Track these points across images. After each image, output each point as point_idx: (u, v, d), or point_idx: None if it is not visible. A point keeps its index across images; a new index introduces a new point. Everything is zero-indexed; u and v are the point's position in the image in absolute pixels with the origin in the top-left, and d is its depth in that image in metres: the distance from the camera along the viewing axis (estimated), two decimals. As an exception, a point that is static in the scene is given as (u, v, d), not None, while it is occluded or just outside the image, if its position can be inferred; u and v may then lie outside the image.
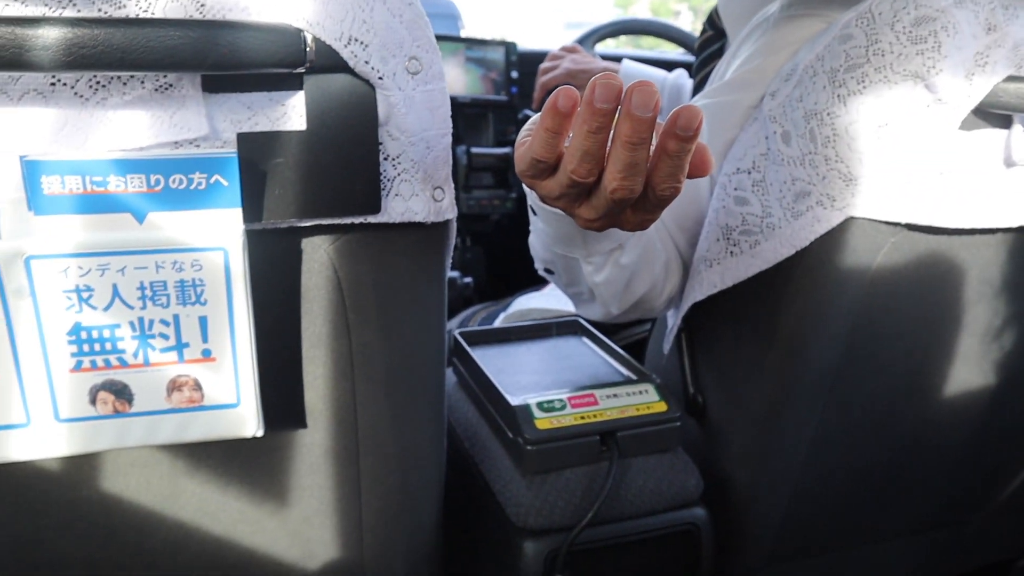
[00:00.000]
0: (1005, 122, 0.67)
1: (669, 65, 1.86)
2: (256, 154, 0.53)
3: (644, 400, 0.77)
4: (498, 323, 1.19)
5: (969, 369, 0.83)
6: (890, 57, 0.63)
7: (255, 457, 0.62)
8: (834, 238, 0.69)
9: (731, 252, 0.74)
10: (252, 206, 0.53)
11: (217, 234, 0.51)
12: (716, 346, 0.84)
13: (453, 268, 1.52)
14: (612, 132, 0.51)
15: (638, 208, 0.56)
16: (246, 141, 0.52)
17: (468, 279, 1.37)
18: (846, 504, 0.91)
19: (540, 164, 0.55)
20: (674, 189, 0.53)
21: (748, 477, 0.83)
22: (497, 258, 1.74)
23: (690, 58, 1.79)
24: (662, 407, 0.76)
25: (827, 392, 0.78)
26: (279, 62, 0.50)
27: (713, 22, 1.01)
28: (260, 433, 0.56)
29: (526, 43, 1.73)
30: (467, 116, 1.62)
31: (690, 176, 0.53)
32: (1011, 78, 0.64)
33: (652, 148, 0.51)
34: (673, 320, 0.85)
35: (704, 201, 0.82)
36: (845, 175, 0.66)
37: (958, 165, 0.67)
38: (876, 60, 0.63)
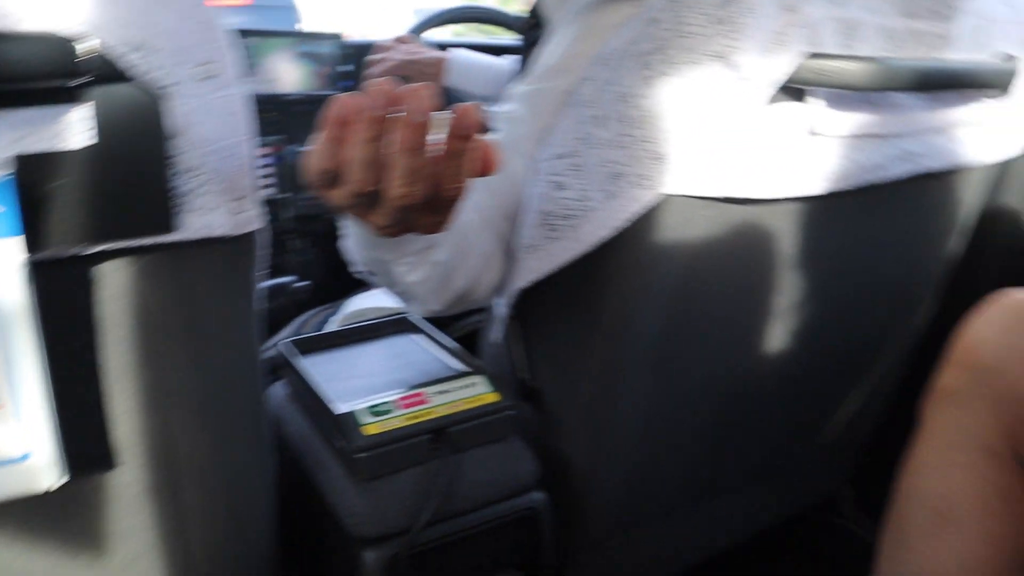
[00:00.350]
0: (804, 96, 0.70)
1: (504, 50, 1.87)
2: (36, 176, 0.48)
3: (475, 392, 0.77)
4: (330, 326, 1.17)
5: (780, 328, 0.88)
6: (695, 39, 0.64)
7: (64, 507, 0.57)
8: (650, 217, 0.70)
9: (550, 237, 0.75)
10: (33, 233, 0.49)
11: (-10, 266, 0.47)
12: (545, 330, 0.85)
13: (289, 272, 1.48)
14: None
15: (428, 211, 0.56)
16: (24, 162, 0.47)
17: (303, 283, 1.33)
18: (683, 467, 0.95)
19: (325, 174, 0.53)
20: (459, 190, 0.53)
21: (585, 455, 0.85)
22: (335, 259, 1.69)
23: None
24: (494, 397, 0.77)
25: (653, 365, 0.81)
26: (51, 74, 0.45)
27: (535, 10, 1.01)
28: (59, 484, 0.53)
29: (375, 33, 1.69)
30: (299, 113, 1.56)
31: (477, 175, 0.53)
32: (808, 55, 0.67)
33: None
34: (499, 307, 0.86)
35: (522, 187, 0.83)
36: (656, 155, 0.67)
37: (764, 139, 0.70)
38: (681, 42, 0.65)
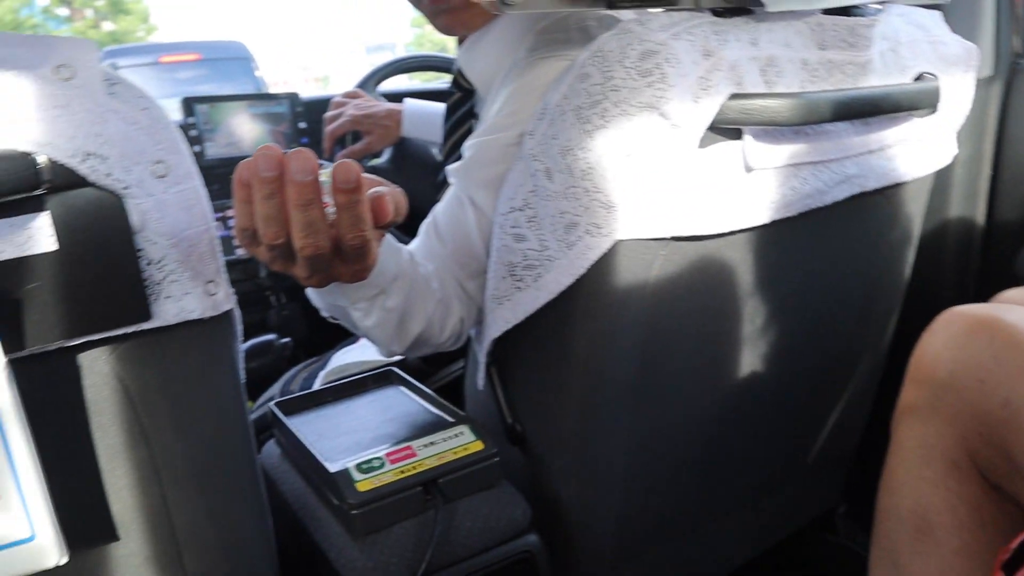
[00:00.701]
0: (737, 135, 0.74)
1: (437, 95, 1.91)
2: (7, 282, 0.51)
3: (461, 442, 0.79)
4: (318, 383, 1.18)
5: (753, 353, 0.91)
6: (624, 92, 0.68)
7: None
8: (608, 261, 0.74)
9: (517, 287, 0.78)
10: (12, 334, 0.51)
11: (-26, 372, 0.49)
12: (524, 375, 0.87)
13: (270, 330, 1.49)
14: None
15: (341, 261, 0.62)
16: None
17: (286, 340, 1.35)
18: (674, 496, 0.97)
19: (244, 232, 0.60)
20: (359, 238, 0.59)
21: (575, 494, 0.87)
22: (314, 312, 1.72)
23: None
24: (479, 446, 0.79)
25: (632, 400, 0.83)
26: (12, 189, 0.48)
27: (459, 83, 1.04)
28: (64, 560, 0.54)
29: (329, 89, 1.72)
30: None
31: (376, 224, 0.59)
32: (734, 96, 0.71)
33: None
34: (480, 356, 0.88)
35: (474, 236, 0.86)
36: (605, 203, 0.71)
37: (704, 179, 0.74)
38: (613, 95, 0.68)
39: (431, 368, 1.15)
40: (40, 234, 0.51)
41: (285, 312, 1.63)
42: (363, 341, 1.27)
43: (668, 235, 0.75)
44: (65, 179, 0.50)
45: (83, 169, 0.51)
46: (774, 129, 0.76)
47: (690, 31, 0.70)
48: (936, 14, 0.90)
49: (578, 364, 0.80)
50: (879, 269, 1.00)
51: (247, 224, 0.59)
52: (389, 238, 0.77)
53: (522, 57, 0.86)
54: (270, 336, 1.33)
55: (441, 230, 0.88)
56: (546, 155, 0.73)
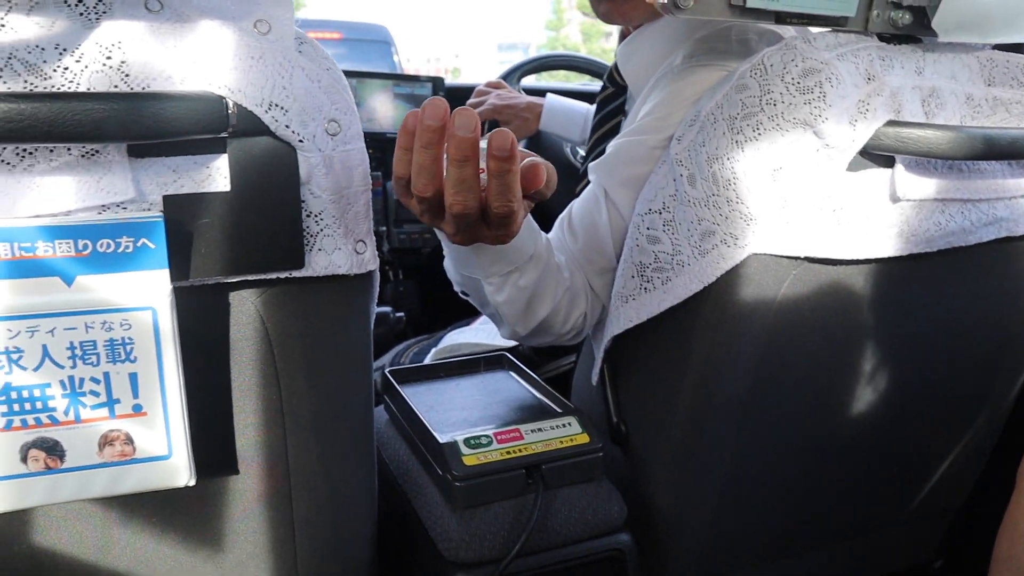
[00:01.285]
0: (888, 162, 0.73)
1: (594, 97, 1.92)
2: (182, 215, 0.55)
3: (568, 433, 0.80)
4: (429, 359, 1.21)
5: (870, 388, 0.88)
6: (781, 106, 0.68)
7: (188, 505, 0.64)
8: (739, 273, 0.74)
9: (645, 288, 0.78)
10: (179, 264, 0.55)
11: (145, 294, 0.53)
12: (636, 376, 0.88)
13: (385, 303, 1.54)
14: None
15: (486, 225, 0.64)
16: (172, 203, 0.54)
17: (400, 314, 1.39)
18: (766, 520, 0.95)
19: (400, 181, 0.63)
20: (506, 207, 0.61)
21: (671, 501, 0.87)
22: (429, 291, 1.76)
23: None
24: (585, 439, 0.80)
25: (740, 416, 0.83)
26: (203, 129, 0.52)
27: (613, 79, 1.05)
28: (192, 482, 0.58)
29: (467, 75, 1.77)
30: None
31: (527, 192, 0.62)
32: (891, 123, 0.69)
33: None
34: (597, 352, 0.89)
35: (606, 233, 0.87)
36: (746, 215, 0.71)
37: (849, 203, 0.73)
38: (769, 109, 0.68)
39: (541, 359, 1.17)
40: (217, 174, 0.55)
41: (401, 288, 1.68)
42: (476, 324, 1.29)
43: (803, 255, 0.74)
44: (248, 125, 0.54)
45: (266, 118, 0.54)
46: (927, 161, 0.74)
47: (855, 53, 0.69)
48: None
49: (693, 373, 0.80)
50: (1015, 321, 0.95)
51: (403, 172, 0.62)
52: (530, 218, 0.80)
53: (678, 63, 0.86)
54: (385, 308, 1.37)
55: (575, 224, 0.90)
56: (692, 161, 0.73)
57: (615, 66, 1.03)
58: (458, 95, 1.68)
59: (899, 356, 0.88)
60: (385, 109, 1.64)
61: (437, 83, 1.68)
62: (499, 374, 0.97)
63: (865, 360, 0.86)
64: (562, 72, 1.90)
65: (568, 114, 1.45)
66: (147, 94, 0.50)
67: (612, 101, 1.05)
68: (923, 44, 0.73)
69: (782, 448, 0.89)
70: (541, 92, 1.69)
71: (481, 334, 1.22)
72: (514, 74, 1.65)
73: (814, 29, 0.73)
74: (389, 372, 0.94)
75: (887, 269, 0.81)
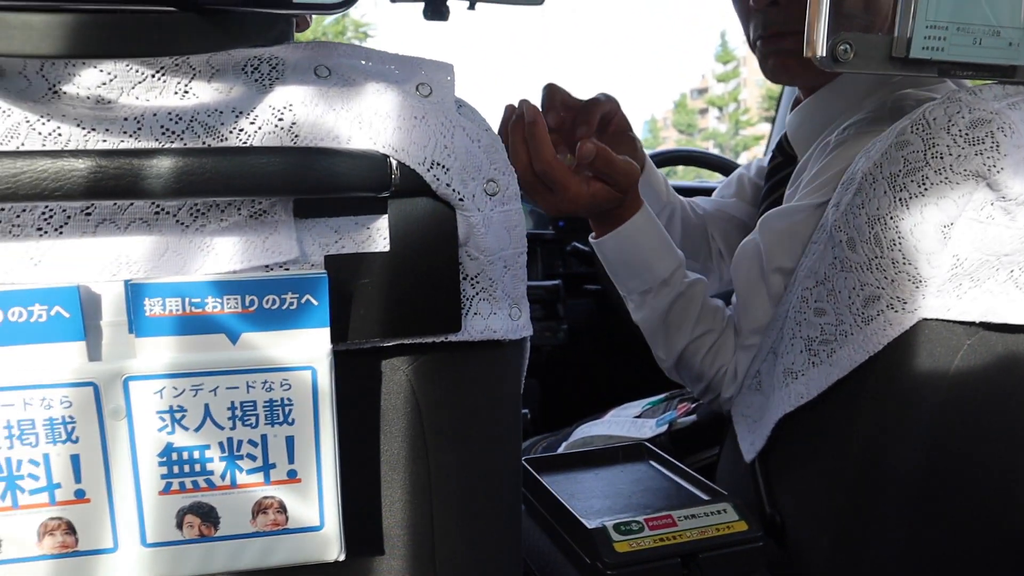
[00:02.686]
0: None
1: (709, 193, 1.91)
2: (342, 275, 0.54)
3: (724, 520, 0.74)
4: (561, 452, 1.17)
5: None
6: (949, 159, 0.64)
7: None
8: (907, 342, 0.69)
9: (813, 363, 0.74)
10: (338, 326, 0.55)
11: (306, 353, 0.52)
12: (791, 462, 0.82)
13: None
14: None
15: (545, 189, 0.89)
16: (333, 263, 0.54)
17: (524, 411, 1.36)
18: None
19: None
20: (540, 165, 0.86)
21: (836, 601, 0.79)
22: (550, 389, 1.74)
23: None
24: (743, 526, 0.74)
25: (912, 505, 0.76)
26: (367, 186, 0.52)
27: (783, 148, 1.04)
28: (343, 557, 0.56)
29: None
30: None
31: (578, 164, 0.88)
32: None
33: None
34: (752, 436, 0.84)
35: (761, 297, 0.88)
36: (914, 277, 0.66)
37: None
38: (935, 163, 0.65)
39: (682, 451, 1.12)
40: (378, 235, 0.55)
41: (523, 386, 1.65)
42: (608, 417, 1.25)
43: (979, 319, 0.68)
44: (409, 184, 0.54)
45: (427, 176, 0.54)
46: (1115, 216, 0.68)
47: None
48: None
49: (857, 455, 0.74)
50: None
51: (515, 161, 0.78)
52: (670, 243, 0.96)
53: (839, 131, 0.85)
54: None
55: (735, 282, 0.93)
56: (850, 225, 0.70)
57: (785, 135, 1.02)
58: None
59: None
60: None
61: None
62: (640, 464, 0.93)
63: None
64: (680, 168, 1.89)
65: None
66: (316, 149, 0.51)
67: (780, 171, 1.03)
68: None
69: (960, 543, 0.80)
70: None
71: (614, 427, 1.18)
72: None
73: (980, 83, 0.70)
74: (525, 461, 0.90)
75: None
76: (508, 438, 0.65)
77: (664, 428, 1.12)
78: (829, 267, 0.72)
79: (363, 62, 0.57)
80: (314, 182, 0.51)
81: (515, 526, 0.67)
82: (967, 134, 0.64)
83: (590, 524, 0.73)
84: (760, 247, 0.88)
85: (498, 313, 0.59)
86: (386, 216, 0.55)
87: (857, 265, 0.69)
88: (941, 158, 0.64)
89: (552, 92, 1.00)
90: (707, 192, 1.60)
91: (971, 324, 0.69)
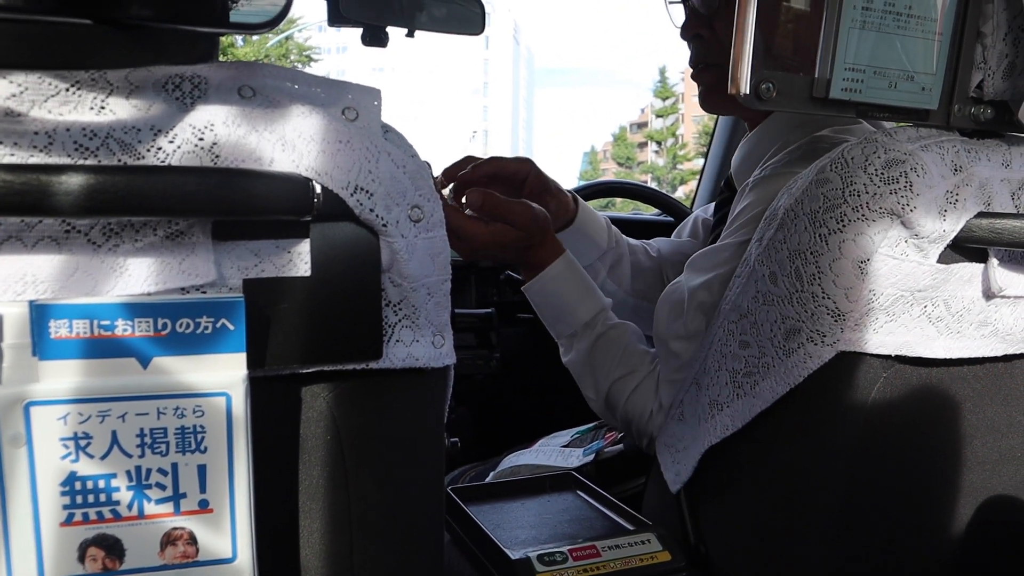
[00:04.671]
0: (981, 256, 0.70)
1: (645, 225, 1.93)
2: (261, 300, 0.53)
3: (647, 550, 0.75)
4: (488, 481, 1.16)
5: (968, 508, 0.82)
6: (866, 197, 0.66)
7: None
8: (827, 374, 0.70)
9: (738, 395, 0.75)
10: (255, 352, 0.53)
11: (221, 378, 0.51)
12: (716, 492, 0.82)
13: (437, 429, 1.50)
14: None
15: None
16: (252, 287, 0.53)
17: (454, 439, 1.35)
18: None
19: None
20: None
21: (757, 630, 0.79)
22: (482, 418, 1.73)
23: (664, 218, 1.86)
24: (666, 556, 0.74)
25: (833, 534, 0.77)
26: (288, 210, 0.51)
27: (729, 183, 1.07)
28: None
29: None
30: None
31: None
32: (981, 214, 0.67)
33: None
34: (677, 467, 0.84)
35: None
36: (833, 311, 0.68)
37: (940, 298, 0.70)
38: (853, 200, 0.66)
39: (609, 481, 1.11)
40: (299, 259, 0.54)
41: (453, 415, 1.64)
42: (536, 446, 1.25)
43: (894, 353, 0.70)
44: (332, 209, 0.53)
45: (351, 201, 0.53)
46: (1021, 255, 0.71)
47: (939, 145, 0.68)
48: None
49: (780, 483, 0.75)
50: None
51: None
52: (593, 288, 1.01)
53: (760, 171, 0.87)
54: (439, 433, 1.33)
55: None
56: (772, 260, 0.71)
57: (731, 170, 1.06)
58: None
59: (1002, 472, 0.82)
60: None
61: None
62: (566, 494, 0.92)
63: (964, 476, 0.80)
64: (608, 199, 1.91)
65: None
66: (236, 170, 0.50)
67: (724, 206, 1.05)
68: (1006, 138, 0.72)
69: (881, 571, 0.81)
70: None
71: (542, 456, 1.17)
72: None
73: (896, 125, 0.72)
74: (451, 490, 0.89)
75: (982, 373, 0.76)
76: (430, 467, 0.64)
77: (591, 457, 1.12)
78: (752, 300, 0.73)
79: (289, 84, 0.56)
80: (233, 204, 0.50)
81: (437, 556, 0.66)
82: (883, 173, 0.66)
83: (514, 555, 0.72)
84: (684, 287, 0.90)
85: (421, 341, 0.59)
86: (308, 240, 0.54)
87: (778, 299, 0.71)
88: (858, 196, 0.66)
89: (449, 175, 1.09)
90: (642, 224, 1.62)
91: (887, 357, 0.71)
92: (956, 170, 0.67)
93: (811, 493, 0.75)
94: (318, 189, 0.53)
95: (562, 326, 1.01)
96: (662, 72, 29.98)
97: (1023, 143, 0.72)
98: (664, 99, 30.32)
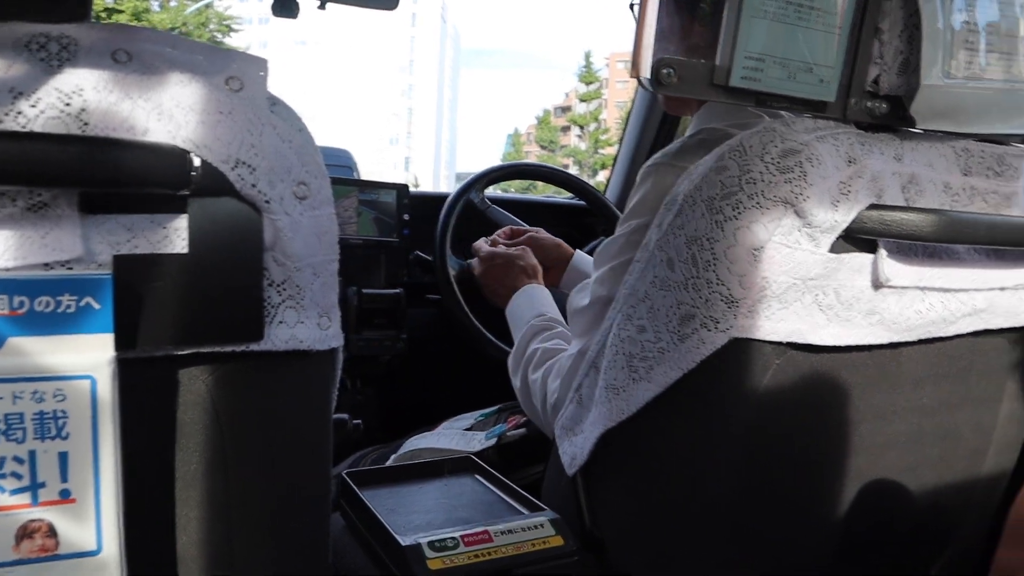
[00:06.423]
0: (871, 247, 0.71)
1: (558, 208, 1.92)
2: (133, 277, 0.50)
3: (540, 535, 0.74)
4: (389, 464, 1.15)
5: (854, 487, 0.84)
6: (761, 185, 0.66)
7: None
8: (720, 360, 0.70)
9: (634, 379, 0.75)
10: (126, 332, 0.50)
11: (84, 361, 0.48)
12: (611, 476, 0.83)
13: (342, 410, 1.47)
14: None
15: None
16: (123, 263, 0.50)
17: (357, 421, 1.32)
18: None
19: None
20: None
21: (650, 613, 0.80)
22: (388, 400, 1.71)
23: (578, 202, 1.86)
24: (559, 541, 0.74)
25: (726, 521, 0.78)
26: (163, 183, 0.49)
27: None
28: None
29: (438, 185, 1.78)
30: (358, 257, 1.62)
31: None
32: (873, 206, 0.68)
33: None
34: (574, 450, 0.84)
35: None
36: (727, 297, 0.68)
37: (831, 287, 0.71)
38: (749, 188, 0.67)
39: (509, 467, 1.11)
40: (175, 235, 0.51)
41: (359, 396, 1.62)
42: (439, 429, 1.24)
43: (786, 340, 0.71)
44: (212, 183, 0.51)
45: (232, 176, 0.51)
46: (909, 247, 0.73)
47: (835, 136, 0.69)
48: None
49: (675, 467, 0.76)
50: (995, 417, 0.93)
51: None
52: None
53: (652, 163, 0.87)
54: (342, 415, 1.31)
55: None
56: (670, 245, 0.71)
57: None
58: (421, 202, 1.68)
59: (887, 454, 0.84)
60: (349, 215, 1.63)
61: (402, 190, 1.67)
62: (465, 478, 0.91)
63: (852, 458, 0.82)
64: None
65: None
66: (105, 139, 0.47)
67: None
68: (900, 133, 0.73)
69: (779, 552, 0.83)
70: (504, 202, 1.69)
71: (444, 439, 1.16)
72: (479, 182, 1.64)
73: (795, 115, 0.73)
74: (347, 474, 0.87)
75: (869, 360, 0.78)
76: (316, 452, 0.62)
77: (493, 441, 1.12)
78: (650, 285, 0.73)
79: (168, 49, 0.53)
80: (102, 175, 0.47)
81: (322, 543, 0.64)
82: (778, 162, 0.66)
83: (404, 541, 0.71)
84: (590, 282, 0.92)
85: (305, 322, 0.56)
86: (185, 216, 0.51)
87: (675, 284, 0.71)
88: (754, 184, 0.67)
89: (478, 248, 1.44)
90: (555, 208, 1.62)
91: (779, 344, 0.72)
92: (850, 162, 0.68)
93: (705, 477, 0.76)
94: (196, 162, 0.50)
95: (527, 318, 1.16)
96: (587, 57, 30.20)
97: (915, 138, 0.73)
98: (588, 84, 30.54)
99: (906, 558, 0.97)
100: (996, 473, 0.96)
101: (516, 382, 1.08)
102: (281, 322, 0.55)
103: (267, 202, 0.53)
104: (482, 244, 1.44)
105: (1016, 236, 0.76)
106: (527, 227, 1.51)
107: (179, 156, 0.49)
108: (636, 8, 0.64)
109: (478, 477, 0.91)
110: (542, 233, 1.46)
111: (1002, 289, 0.80)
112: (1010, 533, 0.69)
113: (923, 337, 0.78)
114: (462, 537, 0.72)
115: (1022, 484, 0.69)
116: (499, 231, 1.49)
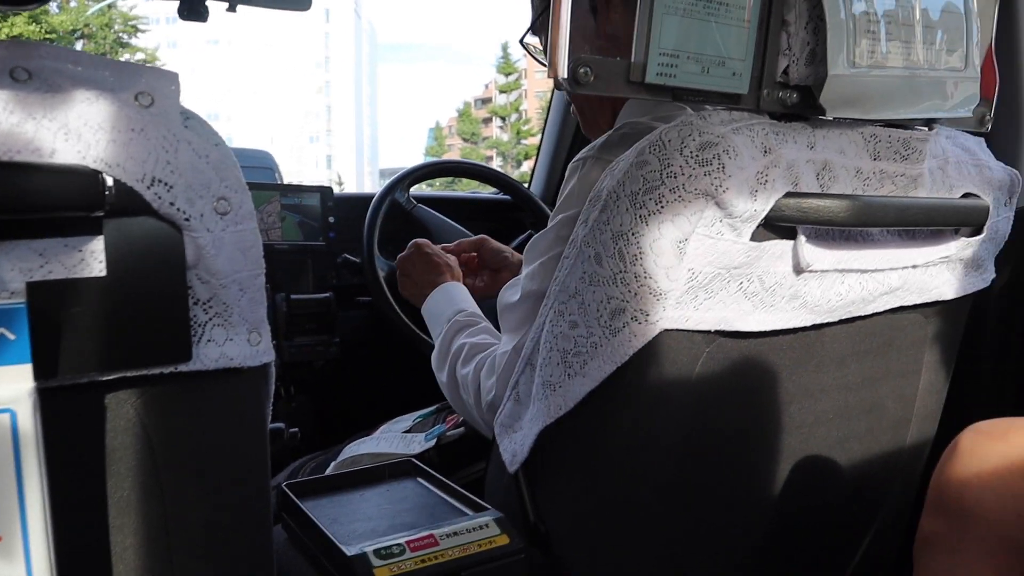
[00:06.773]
0: (790, 233, 0.74)
1: (484, 204, 1.92)
2: (49, 304, 0.49)
3: (486, 535, 0.75)
4: (328, 472, 1.14)
5: (788, 464, 0.87)
6: (682, 178, 0.68)
7: None
8: (652, 352, 0.72)
9: (569, 375, 0.76)
10: (45, 361, 0.49)
11: (3, 394, 0.46)
12: (552, 471, 0.83)
13: (278, 419, 1.45)
14: None
15: None
16: (37, 290, 0.48)
17: (294, 430, 1.31)
18: None
19: None
20: None
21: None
22: (324, 406, 1.69)
23: (503, 197, 1.87)
24: (504, 540, 0.74)
25: (665, 507, 0.79)
26: (75, 205, 0.47)
27: None
28: None
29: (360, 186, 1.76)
30: (285, 263, 1.60)
31: None
32: (789, 194, 0.70)
33: None
34: (514, 447, 0.85)
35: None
36: (654, 290, 0.69)
37: (754, 275, 0.73)
38: (670, 182, 0.68)
39: (450, 467, 1.11)
40: (91, 258, 0.49)
41: (294, 404, 1.60)
42: (377, 434, 1.23)
43: (714, 328, 0.73)
44: (127, 203, 0.49)
45: (148, 195, 0.50)
46: (826, 232, 0.75)
47: (750, 128, 0.71)
48: (980, 140, 0.91)
49: (614, 460, 0.77)
50: (915, 389, 0.97)
51: None
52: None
53: (578, 159, 0.88)
54: (278, 425, 1.29)
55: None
56: (597, 241, 0.72)
57: None
58: (346, 204, 1.66)
59: (816, 429, 0.87)
60: (272, 220, 1.60)
61: (325, 193, 1.65)
62: (406, 482, 0.91)
63: (784, 436, 0.85)
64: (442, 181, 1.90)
65: None
66: (9, 163, 0.45)
67: None
68: (811, 121, 0.75)
69: (714, 536, 0.85)
70: (429, 200, 1.68)
71: (383, 443, 1.15)
72: (404, 180, 1.63)
73: (710, 108, 0.74)
74: (286, 486, 0.86)
75: (794, 342, 0.81)
76: (253, 469, 0.61)
77: (433, 443, 1.11)
78: (579, 281, 0.74)
79: (71, 66, 0.51)
80: (8, 201, 0.45)
81: (267, 559, 0.64)
82: (697, 155, 0.68)
83: (349, 551, 0.70)
84: (520, 279, 0.92)
85: (235, 339, 0.55)
86: (101, 238, 0.50)
87: (604, 279, 0.72)
88: (675, 177, 0.68)
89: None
90: (480, 203, 1.62)
91: (708, 332, 0.74)
92: (765, 152, 0.70)
93: (643, 467, 0.77)
94: (109, 182, 0.48)
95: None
96: (504, 48, 30.15)
97: (826, 126, 0.76)
98: (507, 75, 30.53)
99: (838, 530, 1.00)
100: (919, 442, 1.01)
101: (442, 377, 1.07)
102: (210, 340, 0.54)
103: (187, 220, 0.52)
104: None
105: (925, 216, 0.79)
106: (472, 235, 1.49)
107: (90, 177, 0.48)
108: (550, 9, 0.64)
109: (420, 480, 0.91)
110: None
111: (914, 267, 0.84)
112: (931, 501, 0.71)
113: (844, 317, 0.81)
114: (407, 543, 0.71)
115: (941, 454, 0.71)
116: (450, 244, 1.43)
